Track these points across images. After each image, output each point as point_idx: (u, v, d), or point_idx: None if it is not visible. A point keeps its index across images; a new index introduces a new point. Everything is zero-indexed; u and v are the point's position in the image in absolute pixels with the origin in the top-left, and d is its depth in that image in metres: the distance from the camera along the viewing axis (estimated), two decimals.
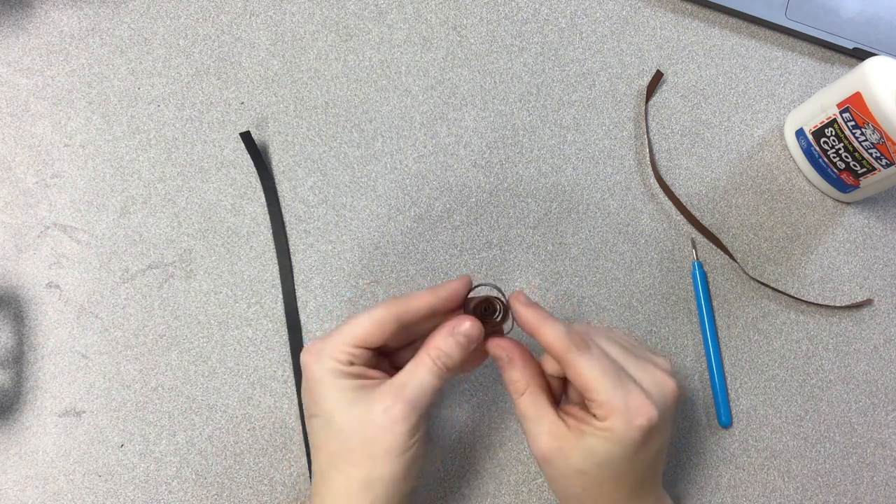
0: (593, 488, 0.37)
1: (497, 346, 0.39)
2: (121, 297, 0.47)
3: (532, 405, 0.38)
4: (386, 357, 0.42)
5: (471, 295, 0.40)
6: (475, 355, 0.41)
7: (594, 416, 0.36)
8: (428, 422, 0.38)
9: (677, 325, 0.50)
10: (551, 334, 0.37)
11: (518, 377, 0.38)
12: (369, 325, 0.37)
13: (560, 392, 0.41)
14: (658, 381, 0.38)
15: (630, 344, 0.40)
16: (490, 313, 0.39)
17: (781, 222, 0.53)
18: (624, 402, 0.35)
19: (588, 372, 0.35)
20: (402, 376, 0.37)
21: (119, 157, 0.50)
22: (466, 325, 0.37)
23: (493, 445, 0.47)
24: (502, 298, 0.39)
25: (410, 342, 0.42)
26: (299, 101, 0.52)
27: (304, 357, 0.38)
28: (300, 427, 0.46)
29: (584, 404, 0.38)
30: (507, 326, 0.40)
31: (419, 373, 0.36)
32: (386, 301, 0.38)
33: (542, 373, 0.39)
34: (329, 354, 0.37)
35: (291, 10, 0.53)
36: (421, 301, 0.38)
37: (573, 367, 0.36)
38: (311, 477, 0.44)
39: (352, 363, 0.37)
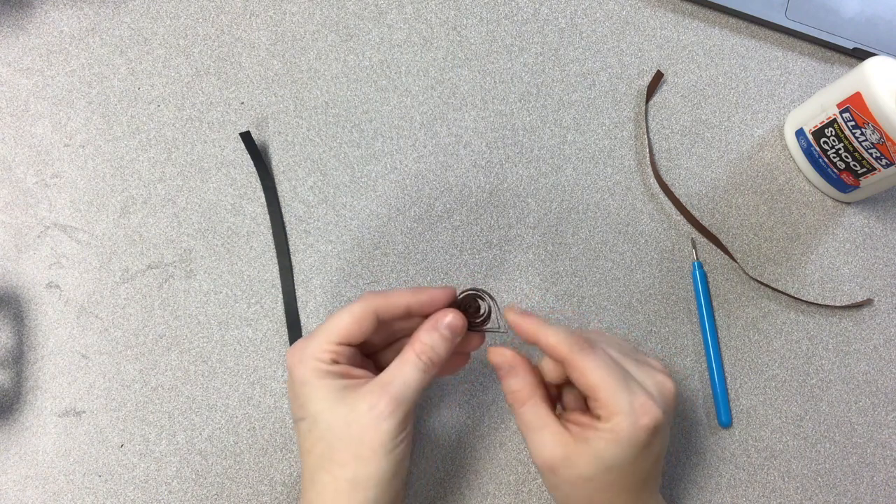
0: (598, 494, 0.36)
1: (498, 354, 0.39)
2: (121, 297, 0.47)
3: (535, 415, 0.37)
4: (370, 359, 0.42)
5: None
6: (457, 357, 0.41)
7: (598, 417, 0.36)
8: (413, 421, 0.37)
9: (677, 325, 0.50)
10: (553, 337, 0.36)
11: (520, 386, 0.38)
12: (349, 320, 0.37)
13: (557, 399, 0.41)
14: (658, 382, 0.38)
15: (626, 346, 0.40)
16: (474, 311, 0.39)
17: (781, 222, 0.53)
18: (629, 402, 0.35)
19: (594, 371, 0.35)
20: (386, 373, 0.36)
21: (119, 157, 0.50)
22: (449, 318, 0.37)
23: (493, 445, 0.47)
24: (487, 295, 0.39)
25: (393, 341, 0.42)
26: (299, 101, 0.52)
27: (289, 359, 0.37)
28: None
29: (584, 409, 0.38)
30: (496, 325, 0.40)
31: (404, 369, 0.36)
32: (363, 296, 0.38)
33: (542, 382, 0.39)
34: (312, 355, 0.36)
35: (291, 10, 0.53)
36: (399, 298, 0.38)
37: (578, 367, 0.36)
38: None
39: (336, 361, 0.37)
